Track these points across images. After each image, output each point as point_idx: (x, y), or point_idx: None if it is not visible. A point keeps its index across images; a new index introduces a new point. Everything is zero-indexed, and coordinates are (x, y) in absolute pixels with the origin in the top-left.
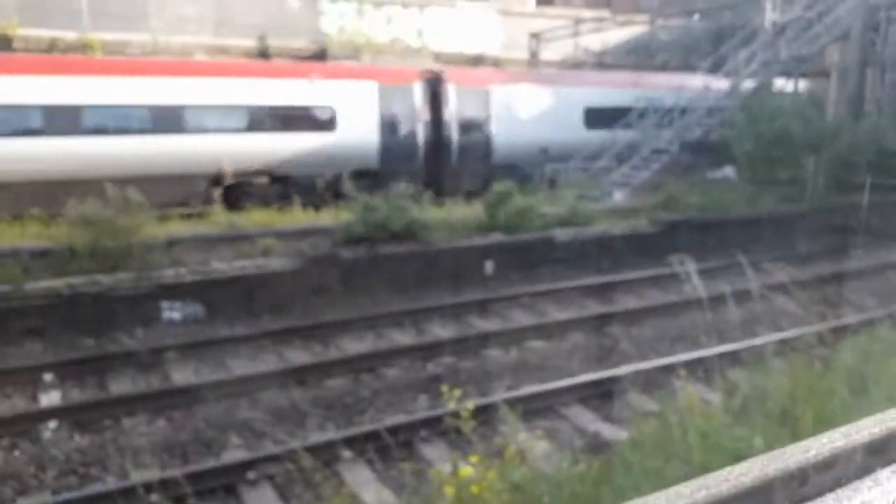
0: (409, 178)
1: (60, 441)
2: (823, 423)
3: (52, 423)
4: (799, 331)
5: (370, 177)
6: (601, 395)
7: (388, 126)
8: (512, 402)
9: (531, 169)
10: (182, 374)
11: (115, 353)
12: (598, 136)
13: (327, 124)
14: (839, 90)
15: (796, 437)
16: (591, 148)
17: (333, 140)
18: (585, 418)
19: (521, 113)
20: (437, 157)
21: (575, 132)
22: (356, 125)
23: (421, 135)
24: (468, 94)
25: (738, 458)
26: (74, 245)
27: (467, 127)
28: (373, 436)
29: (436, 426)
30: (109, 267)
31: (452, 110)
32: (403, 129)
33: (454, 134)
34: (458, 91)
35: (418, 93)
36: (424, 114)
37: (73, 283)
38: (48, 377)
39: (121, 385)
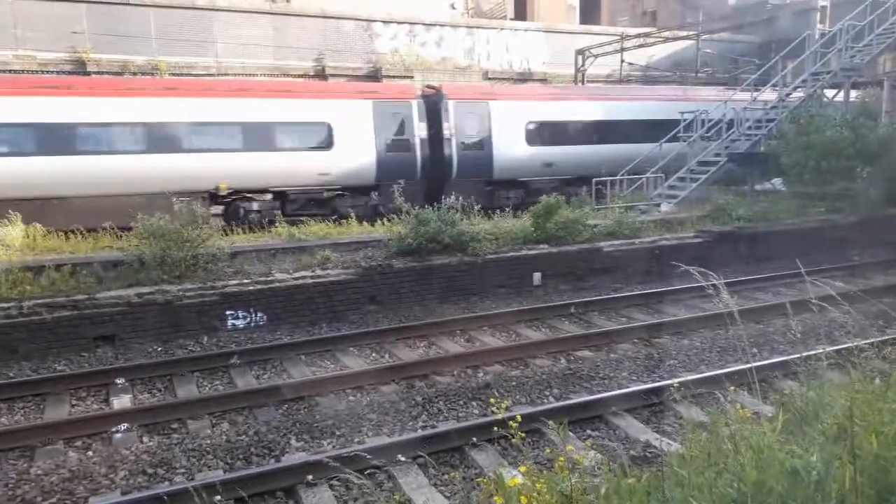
0: None
1: (130, 442)
2: (884, 441)
3: (123, 425)
4: (854, 344)
5: None
6: (651, 406)
7: None
8: (561, 412)
9: None
10: (244, 379)
11: (182, 359)
12: None
13: None
14: (892, 100)
15: (854, 454)
16: None
17: None
18: (636, 429)
19: None
20: None
21: None
22: None
23: None
24: None
25: (793, 475)
26: (143, 256)
27: None
28: (425, 441)
29: (487, 433)
30: (176, 277)
31: None
32: None
33: None
34: None
35: None
36: None
37: (142, 291)
38: (119, 381)
39: (187, 389)
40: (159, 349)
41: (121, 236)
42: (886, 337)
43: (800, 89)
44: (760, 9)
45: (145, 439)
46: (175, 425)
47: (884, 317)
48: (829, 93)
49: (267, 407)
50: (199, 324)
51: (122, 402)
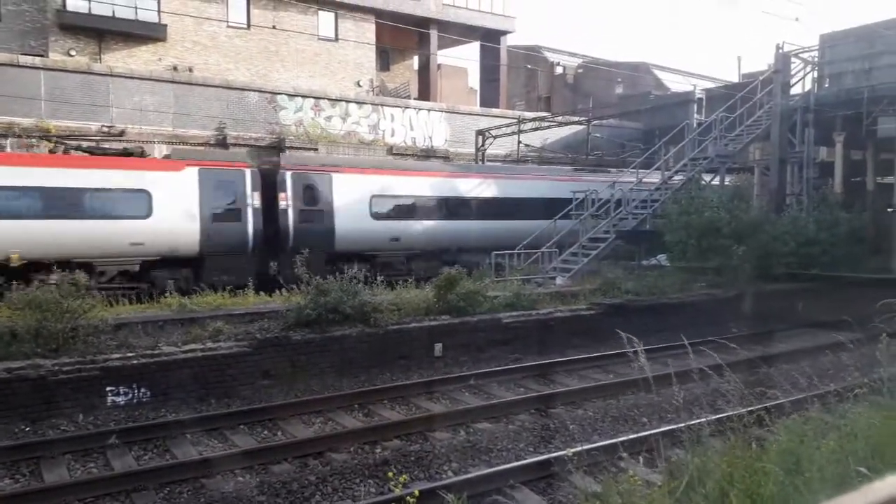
0: None
1: None
2: (759, 502)
3: None
4: (734, 412)
5: None
6: (547, 477)
7: None
8: (459, 486)
9: None
10: (123, 461)
11: (53, 440)
12: None
13: None
14: (761, 185)
15: None
16: None
17: None
18: (532, 501)
19: None
20: None
21: None
22: None
23: None
24: None
25: None
26: (15, 328)
27: None
28: None
29: None
30: (52, 350)
31: None
32: None
33: None
34: None
35: None
36: None
37: (12, 366)
38: None
39: (56, 473)
40: (27, 429)
41: None
42: (764, 405)
43: (680, 173)
44: (644, 99)
45: None
46: None
47: (761, 384)
48: (707, 177)
49: (146, 490)
50: (75, 401)
51: None
